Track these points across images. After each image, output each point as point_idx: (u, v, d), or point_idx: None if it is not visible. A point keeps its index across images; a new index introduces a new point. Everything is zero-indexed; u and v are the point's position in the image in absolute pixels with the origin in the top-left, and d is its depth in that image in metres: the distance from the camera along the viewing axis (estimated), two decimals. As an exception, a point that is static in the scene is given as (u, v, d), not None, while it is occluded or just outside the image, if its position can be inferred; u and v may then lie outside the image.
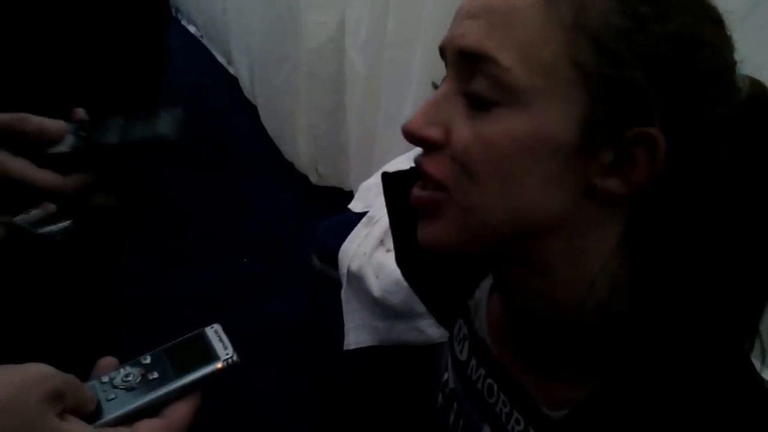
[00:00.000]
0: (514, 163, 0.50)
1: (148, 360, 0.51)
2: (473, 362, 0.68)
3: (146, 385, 0.50)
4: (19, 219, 0.77)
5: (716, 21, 0.52)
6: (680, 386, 0.52)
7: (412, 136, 0.54)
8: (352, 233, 1.69)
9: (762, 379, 0.53)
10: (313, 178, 2.83)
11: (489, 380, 0.66)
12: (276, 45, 2.91)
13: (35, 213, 0.79)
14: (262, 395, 1.87)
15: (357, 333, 1.66)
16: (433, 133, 0.53)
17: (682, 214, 0.53)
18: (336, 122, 2.71)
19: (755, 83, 0.53)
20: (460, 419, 0.70)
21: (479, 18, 0.51)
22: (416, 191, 0.55)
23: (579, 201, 0.52)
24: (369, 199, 1.82)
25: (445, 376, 0.74)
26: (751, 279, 0.54)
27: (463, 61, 0.52)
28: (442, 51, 0.55)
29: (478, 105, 0.51)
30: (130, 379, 0.50)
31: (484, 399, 0.66)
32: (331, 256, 1.70)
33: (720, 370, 0.52)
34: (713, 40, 0.51)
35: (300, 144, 2.91)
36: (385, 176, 0.72)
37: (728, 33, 0.53)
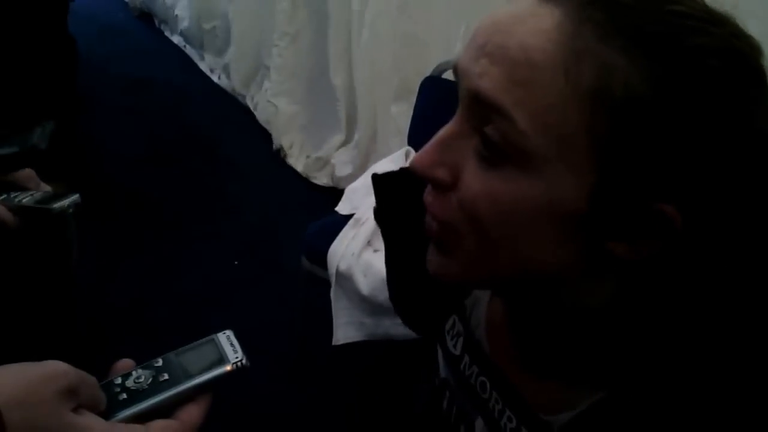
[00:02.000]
0: (523, 224, 0.50)
1: (159, 363, 0.52)
2: (467, 359, 0.68)
3: (156, 386, 0.51)
4: (28, 200, 0.80)
5: (756, 81, 0.48)
6: (682, 399, 0.51)
7: (421, 175, 0.53)
8: (340, 234, 1.72)
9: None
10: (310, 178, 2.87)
11: (481, 378, 0.66)
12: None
13: (39, 193, 0.81)
14: (256, 394, 1.88)
15: (345, 329, 1.69)
16: (442, 174, 0.52)
17: (690, 270, 0.52)
18: (334, 125, 2.76)
19: None
20: (453, 407, 0.71)
21: (497, 64, 0.48)
22: (430, 222, 0.55)
23: (587, 258, 0.51)
24: (355, 200, 1.84)
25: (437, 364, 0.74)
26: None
27: (478, 105, 0.50)
28: (456, 73, 0.53)
29: (488, 156, 0.50)
30: (141, 380, 0.51)
31: (478, 394, 0.66)
32: (320, 257, 1.73)
33: (719, 381, 0.51)
34: (747, 108, 0.47)
35: (296, 145, 2.95)
36: (375, 178, 0.72)
37: (767, 85, 0.48)
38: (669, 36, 0.46)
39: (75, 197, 0.79)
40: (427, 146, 0.52)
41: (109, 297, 2.17)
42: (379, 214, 0.74)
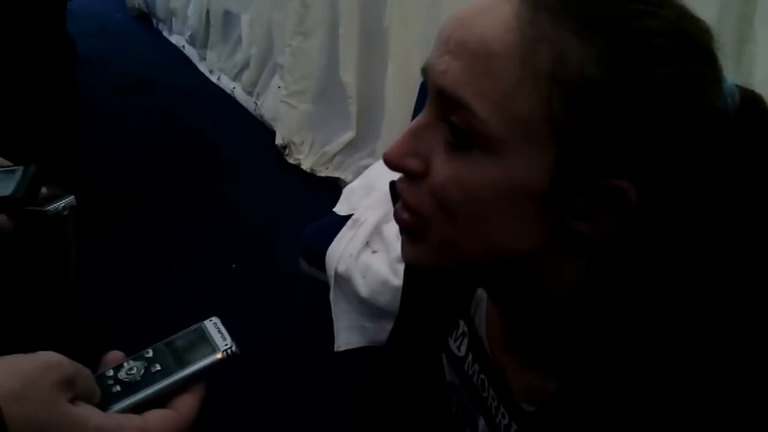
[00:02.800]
0: (489, 206, 0.52)
1: (150, 353, 0.53)
2: (470, 358, 0.70)
3: (149, 377, 0.51)
4: None
5: (704, 60, 0.51)
6: (630, 383, 0.53)
7: (392, 166, 0.55)
8: (338, 236, 1.70)
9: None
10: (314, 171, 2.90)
11: (482, 375, 0.68)
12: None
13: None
14: (254, 398, 1.88)
15: (347, 334, 1.68)
16: (413, 164, 0.54)
17: (649, 246, 0.54)
18: (345, 123, 2.77)
19: (746, 94, 0.54)
20: (459, 410, 0.73)
21: (458, 59, 0.51)
22: (400, 211, 0.57)
23: (551, 238, 0.53)
24: (353, 201, 1.84)
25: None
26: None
27: (442, 99, 0.52)
28: (425, 71, 0.55)
29: (455, 143, 0.52)
30: (134, 372, 0.51)
31: (479, 393, 0.68)
32: (318, 258, 1.72)
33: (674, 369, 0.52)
34: (696, 85, 0.50)
35: (307, 143, 2.97)
36: (393, 185, 0.75)
37: (717, 65, 0.52)
38: (619, 19, 0.49)
39: (70, 199, 0.79)
40: (398, 138, 0.55)
41: (106, 299, 2.16)
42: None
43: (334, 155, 2.87)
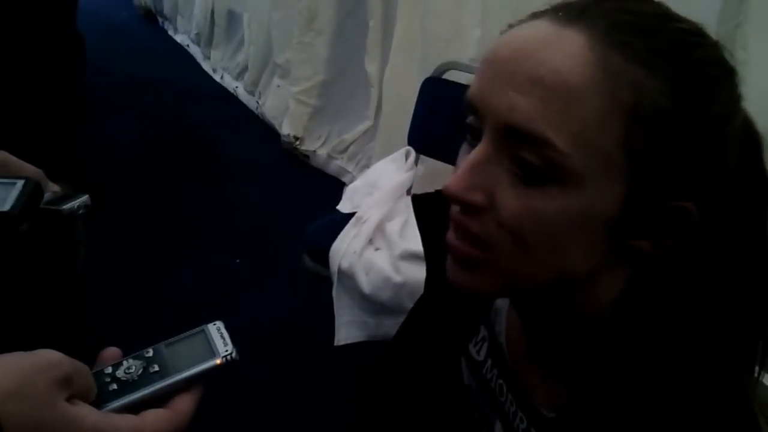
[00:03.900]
0: (564, 235, 0.53)
1: (150, 353, 0.52)
2: (489, 362, 0.71)
3: (147, 377, 0.50)
4: None
5: (736, 83, 0.55)
6: (651, 394, 0.55)
7: (455, 200, 0.54)
8: (342, 233, 1.72)
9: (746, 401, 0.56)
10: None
11: (500, 380, 0.69)
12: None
13: (48, 194, 0.80)
14: (256, 394, 1.89)
15: (347, 329, 1.69)
16: (477, 198, 0.53)
17: (691, 261, 0.57)
18: (358, 114, 2.80)
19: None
20: (476, 413, 0.74)
21: (529, 94, 0.50)
22: (454, 240, 0.57)
23: (611, 256, 0.55)
24: (356, 200, 1.85)
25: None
26: (744, 321, 0.58)
27: (509, 135, 0.51)
28: (474, 108, 0.54)
29: (527, 178, 0.52)
30: (132, 371, 0.51)
31: (496, 397, 0.69)
32: (322, 255, 1.74)
33: (695, 389, 0.54)
34: (738, 110, 0.54)
35: (322, 137, 3.00)
36: (416, 199, 0.74)
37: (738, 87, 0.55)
38: (680, 51, 0.51)
39: (84, 198, 0.79)
40: (459, 172, 0.54)
41: (109, 296, 2.17)
42: (423, 235, 0.75)
43: (350, 144, 2.90)
